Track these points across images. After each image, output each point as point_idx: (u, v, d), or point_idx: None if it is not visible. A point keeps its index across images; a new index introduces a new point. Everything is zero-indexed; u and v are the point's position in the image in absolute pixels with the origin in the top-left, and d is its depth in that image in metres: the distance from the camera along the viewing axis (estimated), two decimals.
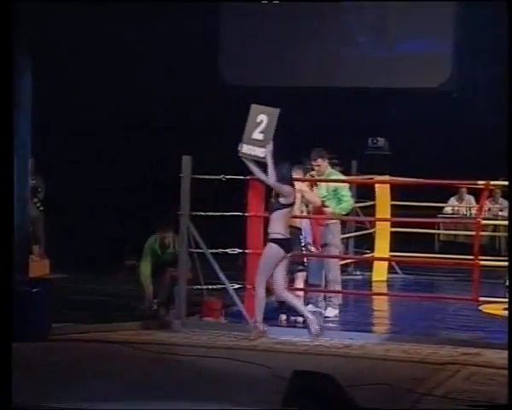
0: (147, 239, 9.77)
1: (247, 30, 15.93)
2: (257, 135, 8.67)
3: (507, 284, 11.34)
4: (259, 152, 8.64)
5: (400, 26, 15.51)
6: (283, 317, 9.31)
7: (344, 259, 11.32)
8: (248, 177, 8.99)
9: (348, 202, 9.69)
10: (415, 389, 6.63)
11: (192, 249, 9.10)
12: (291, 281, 9.40)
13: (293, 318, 9.30)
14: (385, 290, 11.79)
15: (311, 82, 15.26)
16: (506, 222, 12.12)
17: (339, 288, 9.76)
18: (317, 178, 9.58)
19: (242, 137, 8.77)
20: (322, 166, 9.58)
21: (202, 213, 9.23)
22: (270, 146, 8.62)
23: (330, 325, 9.27)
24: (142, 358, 7.65)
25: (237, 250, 9.17)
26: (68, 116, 13.78)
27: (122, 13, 13.90)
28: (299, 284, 9.36)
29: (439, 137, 14.94)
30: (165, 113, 14.63)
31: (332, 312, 9.57)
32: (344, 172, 10.72)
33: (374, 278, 12.22)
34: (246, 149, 8.69)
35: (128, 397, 6.38)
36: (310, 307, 9.53)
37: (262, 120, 8.67)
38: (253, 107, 8.77)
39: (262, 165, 8.67)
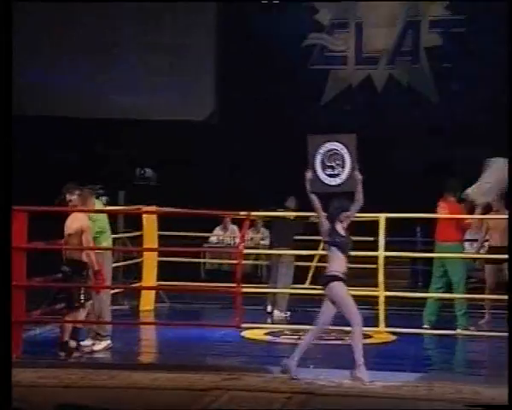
0: None
1: None
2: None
3: (268, 309, 11.96)
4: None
5: (171, 66, 16.07)
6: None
7: (112, 289, 11.35)
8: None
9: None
10: None
11: None
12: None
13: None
14: (152, 319, 11.92)
15: (78, 113, 15.36)
16: (267, 251, 12.80)
17: (108, 318, 9.70)
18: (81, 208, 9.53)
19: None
20: (73, 200, 9.41)
21: None
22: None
23: (99, 356, 9.27)
24: None
25: None
26: None
27: None
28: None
29: (205, 168, 15.44)
30: None
31: (100, 345, 9.50)
32: (111, 203, 10.82)
33: (141, 308, 12.30)
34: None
35: None
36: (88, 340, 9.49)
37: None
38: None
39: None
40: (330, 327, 10.17)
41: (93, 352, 9.38)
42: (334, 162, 8.22)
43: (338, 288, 7.94)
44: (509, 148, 8.78)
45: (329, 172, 8.24)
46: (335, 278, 7.94)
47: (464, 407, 6.54)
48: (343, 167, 8.23)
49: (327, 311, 8.08)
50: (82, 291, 9.17)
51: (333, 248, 7.98)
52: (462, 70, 15.78)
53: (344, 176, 8.24)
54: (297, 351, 8.04)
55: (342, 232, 8.03)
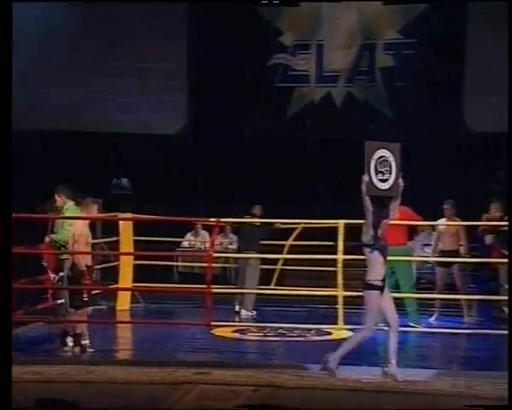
0: None
1: None
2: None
3: (236, 309, 12.58)
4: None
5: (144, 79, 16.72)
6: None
7: (90, 290, 11.82)
8: None
9: (62, 233, 10.05)
10: (155, 407, 7.18)
11: None
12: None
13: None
14: (128, 318, 12.34)
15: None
16: (235, 255, 13.31)
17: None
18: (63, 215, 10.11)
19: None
20: (58, 201, 10.11)
21: None
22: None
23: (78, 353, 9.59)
24: None
25: None
26: None
27: None
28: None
29: (178, 179, 16.08)
30: None
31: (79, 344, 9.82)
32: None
33: (118, 308, 12.68)
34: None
35: None
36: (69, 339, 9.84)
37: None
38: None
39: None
40: (294, 325, 10.94)
41: (73, 350, 9.67)
42: (383, 168, 8.38)
43: (372, 297, 8.22)
44: (509, 150, 9.10)
45: (380, 177, 8.40)
46: (373, 287, 8.22)
47: (464, 407, 6.75)
48: (390, 173, 8.41)
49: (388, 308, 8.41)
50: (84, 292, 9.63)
51: (375, 252, 8.21)
52: (413, 88, 16.68)
53: (391, 181, 8.41)
54: (391, 354, 8.34)
55: (382, 237, 8.29)
